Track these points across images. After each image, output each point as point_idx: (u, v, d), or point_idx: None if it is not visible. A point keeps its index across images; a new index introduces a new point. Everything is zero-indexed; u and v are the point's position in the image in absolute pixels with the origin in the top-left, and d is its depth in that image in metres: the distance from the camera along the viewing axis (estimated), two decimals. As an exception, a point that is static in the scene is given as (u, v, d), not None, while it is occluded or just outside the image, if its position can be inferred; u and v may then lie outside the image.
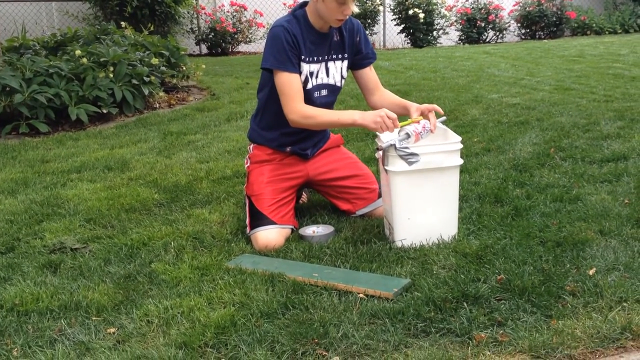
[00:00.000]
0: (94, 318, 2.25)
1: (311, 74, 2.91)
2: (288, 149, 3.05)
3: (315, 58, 2.91)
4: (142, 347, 2.06)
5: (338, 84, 3.02)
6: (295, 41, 2.82)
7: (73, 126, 5.59)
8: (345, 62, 3.01)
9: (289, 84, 2.82)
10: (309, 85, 2.92)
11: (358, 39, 3.02)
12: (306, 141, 3.06)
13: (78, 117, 5.47)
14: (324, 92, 2.98)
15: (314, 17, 2.87)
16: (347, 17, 2.84)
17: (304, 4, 2.92)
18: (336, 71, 2.99)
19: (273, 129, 3.02)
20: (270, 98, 2.95)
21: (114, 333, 2.16)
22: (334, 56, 2.97)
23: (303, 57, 2.86)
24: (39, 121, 5.39)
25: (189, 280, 2.51)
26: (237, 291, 2.38)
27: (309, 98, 2.91)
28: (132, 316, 2.25)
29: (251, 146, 3.13)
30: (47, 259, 2.77)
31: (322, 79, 2.96)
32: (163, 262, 2.69)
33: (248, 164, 3.11)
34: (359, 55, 3.04)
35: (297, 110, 2.82)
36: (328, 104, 3.00)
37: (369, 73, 3.09)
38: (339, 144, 3.23)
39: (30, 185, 3.88)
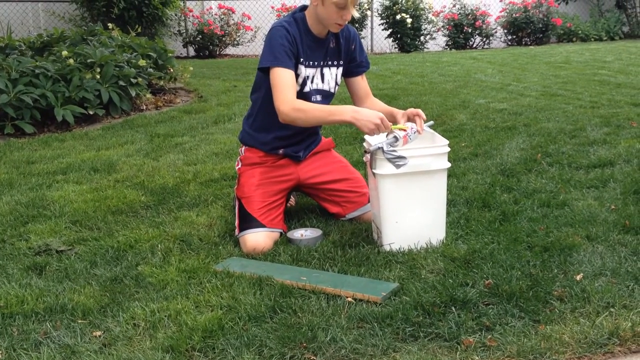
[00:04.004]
0: (79, 321, 2.23)
1: (307, 77, 2.91)
2: (281, 151, 3.04)
3: (312, 63, 2.91)
4: (129, 350, 2.04)
5: (332, 90, 3.02)
6: (295, 42, 2.81)
7: (59, 127, 5.55)
8: (340, 69, 3.01)
9: (283, 78, 2.76)
10: (307, 89, 2.91)
11: (354, 46, 3.02)
12: (299, 144, 3.06)
13: (64, 118, 5.44)
14: (318, 97, 2.97)
15: (313, 22, 2.86)
16: (347, 22, 2.83)
17: (304, 8, 2.91)
18: (331, 77, 2.99)
19: (267, 131, 3.00)
20: (264, 99, 2.93)
21: (99, 336, 2.14)
22: (330, 62, 2.97)
23: (302, 59, 2.86)
24: (25, 122, 5.35)
25: (176, 283, 2.50)
26: (224, 294, 2.37)
27: (307, 101, 2.89)
28: (118, 319, 2.23)
29: (242, 148, 3.12)
30: (32, 261, 2.74)
31: (318, 84, 2.95)
32: (150, 265, 2.67)
33: (239, 166, 3.10)
34: (353, 63, 3.04)
35: (289, 101, 2.73)
36: None
37: (361, 81, 3.09)
38: (329, 147, 3.22)
39: (16, 187, 3.84)
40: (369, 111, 2.68)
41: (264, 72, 2.87)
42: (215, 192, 3.62)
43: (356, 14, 2.80)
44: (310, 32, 2.88)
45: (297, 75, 2.86)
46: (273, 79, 2.79)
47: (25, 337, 2.14)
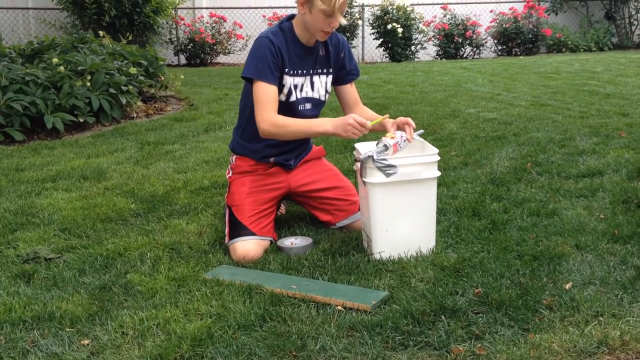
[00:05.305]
0: (67, 329, 2.22)
1: (295, 86, 2.91)
2: (271, 159, 3.04)
3: (300, 71, 2.91)
4: (117, 359, 2.03)
5: (322, 98, 3.02)
6: (279, 53, 2.82)
7: (49, 135, 5.53)
8: (330, 77, 3.02)
9: (265, 93, 2.80)
10: (293, 98, 2.92)
11: (343, 54, 3.03)
12: (290, 152, 3.06)
13: (54, 125, 5.42)
14: (308, 106, 2.98)
15: (301, 30, 2.87)
16: (334, 30, 2.84)
17: (291, 17, 2.92)
18: (321, 85, 2.99)
19: (257, 140, 3.00)
20: (253, 109, 2.93)
21: (88, 344, 2.12)
22: (319, 70, 2.97)
23: (287, 69, 2.86)
24: (14, 129, 5.32)
25: (165, 291, 2.49)
26: (214, 303, 2.36)
27: (294, 110, 2.91)
28: (106, 327, 2.21)
29: (233, 157, 3.12)
30: (21, 268, 2.73)
31: (307, 92, 2.96)
32: (139, 273, 2.65)
33: (230, 174, 3.09)
34: (343, 71, 3.05)
35: (268, 118, 2.79)
36: (311, 118, 3.00)
37: (350, 89, 3.10)
38: (320, 155, 3.23)
39: (4, 194, 3.82)
40: (341, 118, 2.73)
41: (246, 81, 2.89)
42: (205, 200, 3.61)
43: (343, 22, 2.82)
44: (298, 40, 2.89)
45: (282, 86, 2.87)
46: (255, 94, 2.81)
47: (13, 345, 2.12)
